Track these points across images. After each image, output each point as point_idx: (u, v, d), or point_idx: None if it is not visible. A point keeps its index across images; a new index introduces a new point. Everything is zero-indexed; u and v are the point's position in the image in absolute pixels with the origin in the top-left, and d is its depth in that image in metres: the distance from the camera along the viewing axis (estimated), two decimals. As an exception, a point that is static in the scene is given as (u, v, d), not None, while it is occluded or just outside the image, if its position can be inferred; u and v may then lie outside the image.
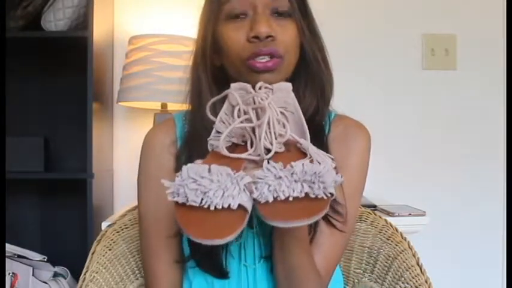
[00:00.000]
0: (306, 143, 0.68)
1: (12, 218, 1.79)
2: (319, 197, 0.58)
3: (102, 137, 1.73)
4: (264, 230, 0.81)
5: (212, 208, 0.58)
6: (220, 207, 0.58)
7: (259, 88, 0.70)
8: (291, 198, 0.58)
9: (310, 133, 0.72)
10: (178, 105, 1.64)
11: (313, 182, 0.59)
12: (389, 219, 1.08)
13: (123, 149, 1.89)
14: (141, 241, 0.87)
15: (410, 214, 1.50)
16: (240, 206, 0.59)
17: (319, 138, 0.83)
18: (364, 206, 1.10)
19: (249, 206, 0.60)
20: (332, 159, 0.66)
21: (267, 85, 0.70)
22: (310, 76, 0.83)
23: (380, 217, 1.08)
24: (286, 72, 0.81)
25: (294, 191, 0.58)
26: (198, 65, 0.85)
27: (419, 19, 1.93)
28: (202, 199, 0.58)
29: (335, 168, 0.62)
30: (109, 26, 1.83)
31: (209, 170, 0.60)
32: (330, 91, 0.85)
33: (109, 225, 1.03)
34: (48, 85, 1.88)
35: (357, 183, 0.86)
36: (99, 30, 1.65)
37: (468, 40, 1.93)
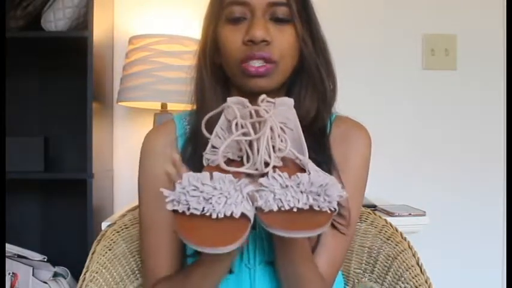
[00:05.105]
0: (305, 159, 0.67)
1: (12, 218, 1.79)
2: (323, 210, 0.58)
3: (102, 137, 1.73)
4: (267, 233, 0.81)
5: (214, 216, 0.57)
6: (223, 215, 0.57)
7: (261, 101, 0.69)
8: (295, 209, 0.58)
9: (311, 136, 0.72)
10: (178, 105, 1.65)
11: (319, 194, 0.58)
12: (389, 219, 1.08)
13: (123, 149, 1.89)
14: (142, 241, 0.87)
15: (410, 214, 1.50)
16: (242, 215, 0.58)
17: (321, 141, 0.83)
18: (364, 206, 1.09)
19: (251, 215, 0.59)
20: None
21: (269, 99, 0.70)
22: (311, 80, 0.83)
23: (380, 217, 1.08)
24: (280, 78, 0.81)
25: (299, 202, 0.58)
26: (200, 65, 0.85)
27: (419, 19, 1.93)
28: (204, 207, 0.57)
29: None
30: (109, 26, 1.83)
31: (211, 177, 0.60)
32: (332, 96, 0.85)
33: (109, 225, 1.02)
34: (48, 85, 1.88)
35: (358, 186, 0.86)
36: (99, 30, 1.65)
37: (468, 40, 1.93)
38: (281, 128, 0.69)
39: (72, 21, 1.65)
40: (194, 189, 0.58)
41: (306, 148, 0.69)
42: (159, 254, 0.84)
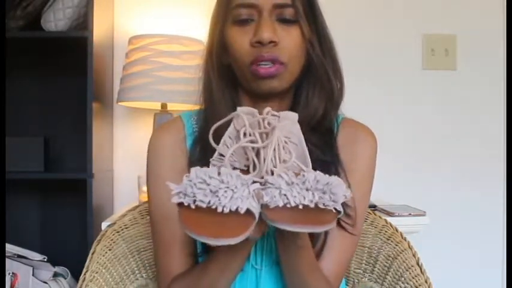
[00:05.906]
0: (310, 170, 0.67)
1: (12, 218, 1.79)
2: (328, 208, 0.58)
3: (102, 137, 1.73)
4: (275, 234, 0.81)
5: (220, 210, 0.57)
6: (228, 209, 0.57)
7: (266, 114, 0.70)
8: (300, 206, 0.58)
9: (319, 136, 0.73)
10: (179, 105, 1.65)
11: (324, 192, 0.59)
12: (389, 219, 1.09)
13: (123, 149, 1.89)
14: (155, 238, 0.87)
15: (410, 214, 1.50)
16: (247, 212, 0.58)
17: (329, 141, 0.84)
18: (364, 206, 1.10)
19: (257, 213, 0.59)
20: None
21: (274, 112, 0.70)
22: (318, 80, 0.84)
23: (380, 217, 1.08)
24: (289, 79, 0.82)
25: (304, 199, 0.58)
26: (208, 66, 0.86)
27: (419, 19, 1.93)
28: (210, 200, 0.57)
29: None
30: (109, 26, 1.83)
31: (219, 172, 0.60)
32: (339, 95, 0.86)
33: (109, 225, 1.03)
34: (48, 85, 1.88)
35: (365, 187, 0.88)
36: (99, 30, 1.65)
37: (468, 40, 1.93)
38: (285, 142, 0.69)
39: (72, 21, 1.65)
40: (201, 182, 0.58)
41: (310, 162, 0.70)
42: (172, 254, 0.83)
